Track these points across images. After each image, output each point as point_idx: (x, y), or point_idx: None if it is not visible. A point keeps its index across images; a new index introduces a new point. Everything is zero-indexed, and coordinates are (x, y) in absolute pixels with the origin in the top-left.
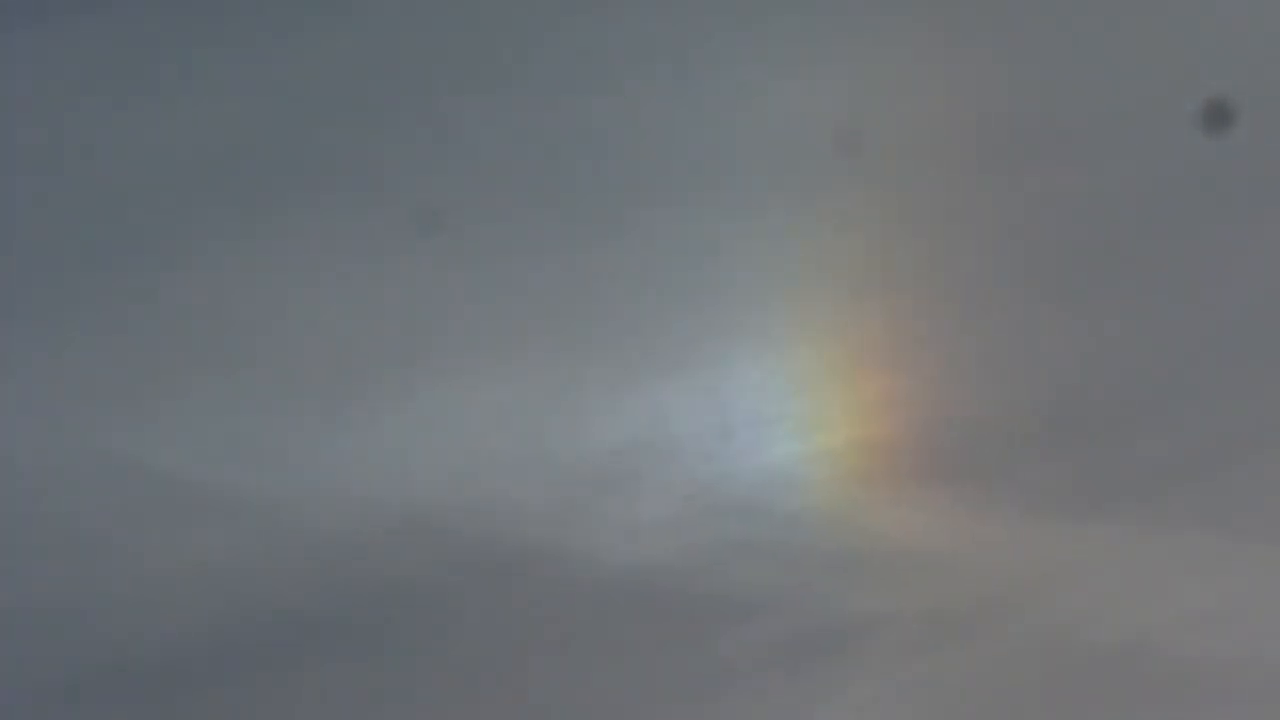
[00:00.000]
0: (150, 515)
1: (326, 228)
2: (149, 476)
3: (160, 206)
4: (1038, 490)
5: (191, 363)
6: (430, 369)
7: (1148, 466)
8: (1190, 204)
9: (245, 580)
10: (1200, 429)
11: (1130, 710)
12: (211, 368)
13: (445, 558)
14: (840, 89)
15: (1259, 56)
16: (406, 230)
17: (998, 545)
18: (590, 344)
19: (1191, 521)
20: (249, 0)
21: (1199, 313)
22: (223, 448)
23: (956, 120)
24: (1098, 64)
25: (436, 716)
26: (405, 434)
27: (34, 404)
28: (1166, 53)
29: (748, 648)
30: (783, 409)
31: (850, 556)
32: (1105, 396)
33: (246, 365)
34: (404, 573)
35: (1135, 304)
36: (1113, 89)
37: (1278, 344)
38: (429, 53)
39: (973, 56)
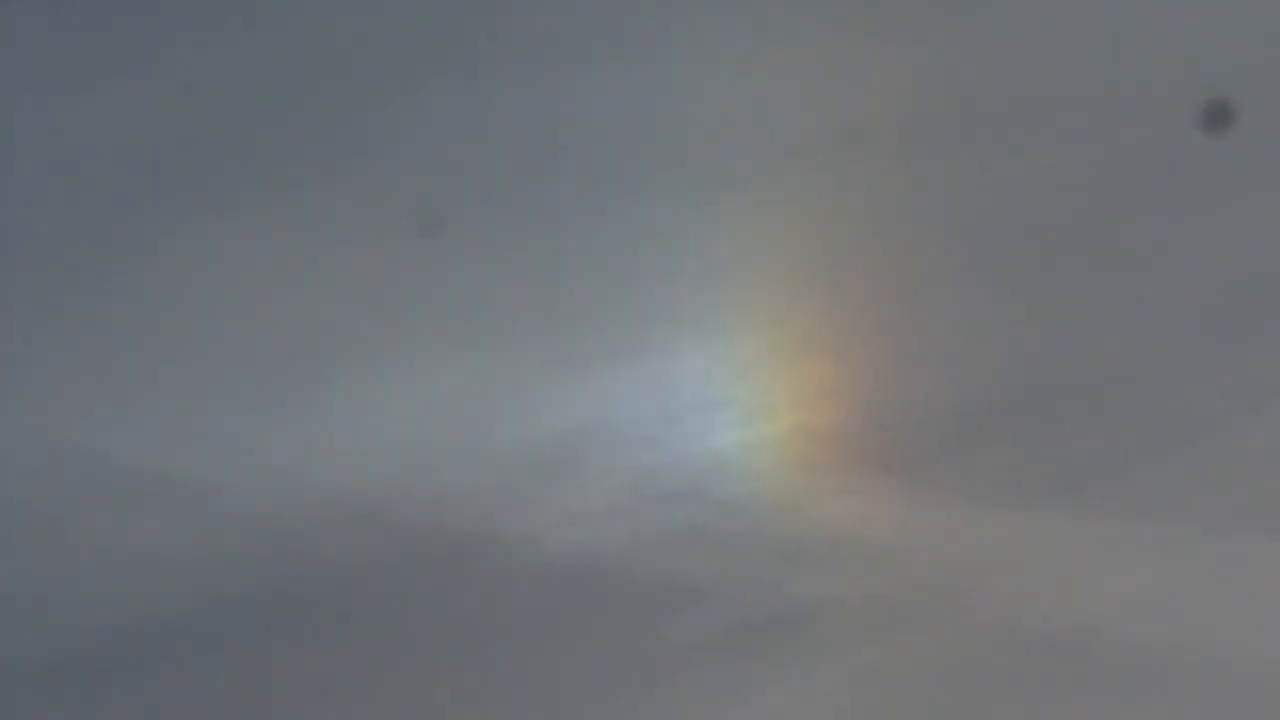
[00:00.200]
0: (98, 502)
1: (274, 216)
2: (98, 464)
3: (116, 193)
4: (983, 477)
5: (142, 350)
6: (374, 357)
7: (1093, 454)
8: (1142, 194)
9: (192, 567)
10: (1146, 417)
11: (1075, 696)
12: (160, 355)
13: (389, 545)
14: (804, 76)
15: (1223, 35)
16: (357, 219)
17: (943, 532)
18: (533, 330)
19: (1137, 509)
20: None
21: (1144, 303)
22: (169, 434)
23: (919, 108)
24: (1066, 50)
25: (382, 704)
26: (350, 422)
27: None
28: (1141, 42)
29: (692, 635)
30: (728, 395)
31: (795, 544)
32: (1052, 384)
33: (195, 353)
34: (347, 560)
35: (1082, 294)
36: (1080, 78)
37: (1223, 332)
38: (392, 36)
39: (949, 43)
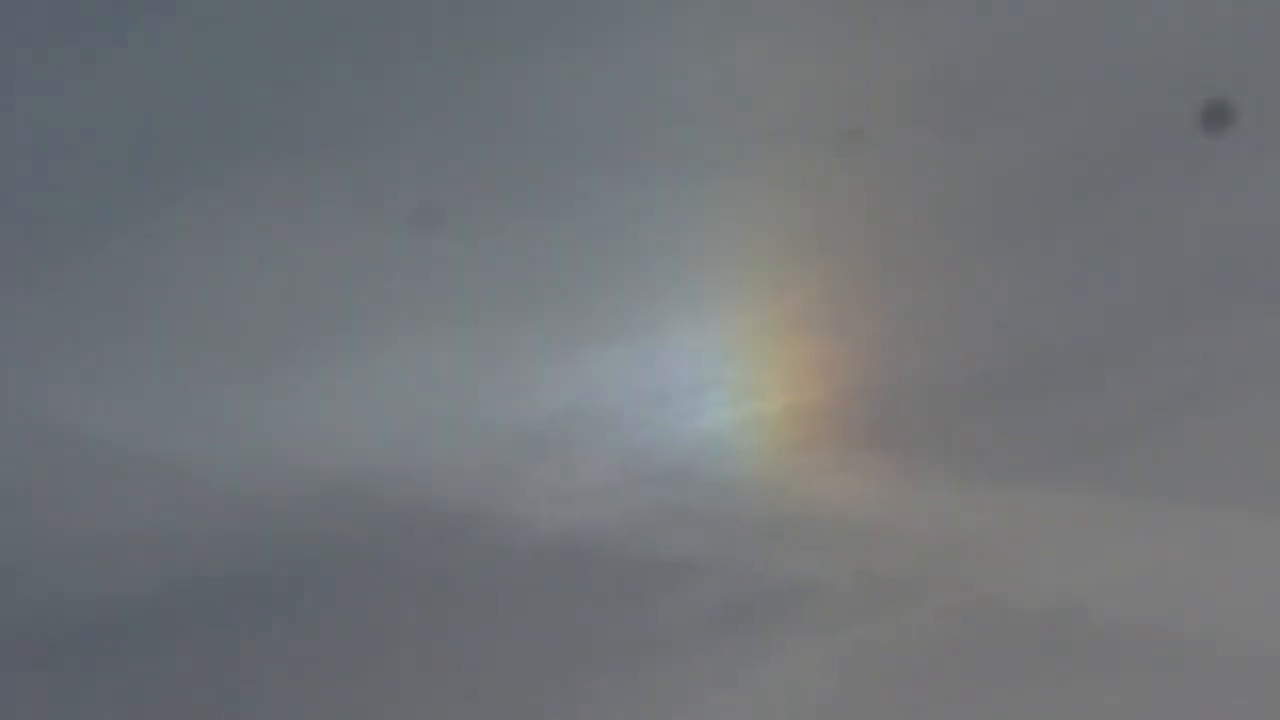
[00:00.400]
0: (84, 479)
1: (263, 196)
2: (84, 441)
3: (108, 174)
4: (973, 455)
5: (128, 328)
6: (364, 335)
7: (1079, 432)
8: (1132, 179)
9: (179, 543)
10: (1130, 395)
11: (1064, 670)
12: (148, 333)
13: (380, 522)
14: (796, 59)
15: (1199, 29)
16: (348, 201)
17: (933, 510)
18: (524, 310)
19: (1122, 486)
20: None
21: (1131, 282)
22: (156, 412)
23: (914, 94)
24: (1060, 39)
25: (371, 679)
26: (340, 399)
27: None
28: (1127, 30)
29: (683, 613)
30: (718, 374)
31: (786, 521)
32: (1041, 363)
33: (184, 332)
34: (339, 536)
35: (1071, 274)
36: (1074, 67)
37: (1208, 312)
38: (383, 21)
39: (947, 31)
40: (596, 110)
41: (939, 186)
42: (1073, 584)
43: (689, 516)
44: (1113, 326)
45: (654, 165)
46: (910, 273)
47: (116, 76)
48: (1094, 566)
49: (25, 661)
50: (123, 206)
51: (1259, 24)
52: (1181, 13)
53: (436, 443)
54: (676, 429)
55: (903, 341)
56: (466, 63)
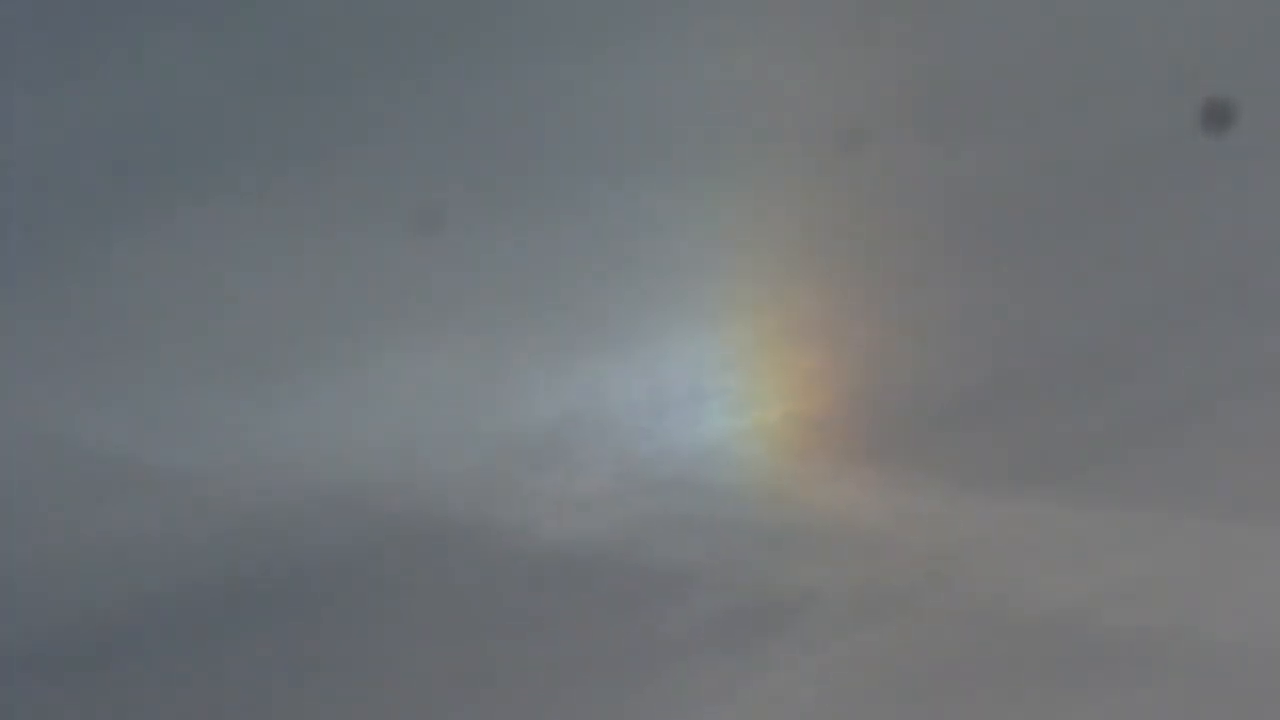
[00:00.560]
0: (80, 488)
1: (260, 205)
2: (82, 450)
3: (103, 182)
4: (972, 464)
5: (124, 338)
6: (364, 344)
7: (1078, 441)
8: (1133, 186)
9: (177, 553)
10: (1129, 404)
11: (1061, 681)
12: (145, 343)
13: (379, 532)
14: (796, 67)
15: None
16: (345, 210)
17: (933, 518)
18: (525, 317)
19: (1121, 495)
20: None
21: (1128, 291)
22: (154, 421)
23: (914, 101)
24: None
25: (370, 688)
26: (338, 408)
27: None
28: (1128, 31)
29: (681, 622)
30: (718, 383)
31: (784, 531)
32: (1038, 372)
33: (183, 342)
34: (337, 546)
35: (1067, 282)
36: (1075, 72)
37: (1205, 322)
38: (382, 26)
39: (946, 36)
40: (595, 116)
41: (938, 193)
42: (1071, 593)
43: (688, 526)
44: (1113, 334)
45: (653, 171)
46: (910, 281)
47: (118, 82)
48: (1093, 576)
49: (24, 670)
50: (121, 213)
51: (1259, 24)
52: (1181, 13)
53: (434, 452)
54: (676, 438)
55: (903, 350)
56: (467, 72)
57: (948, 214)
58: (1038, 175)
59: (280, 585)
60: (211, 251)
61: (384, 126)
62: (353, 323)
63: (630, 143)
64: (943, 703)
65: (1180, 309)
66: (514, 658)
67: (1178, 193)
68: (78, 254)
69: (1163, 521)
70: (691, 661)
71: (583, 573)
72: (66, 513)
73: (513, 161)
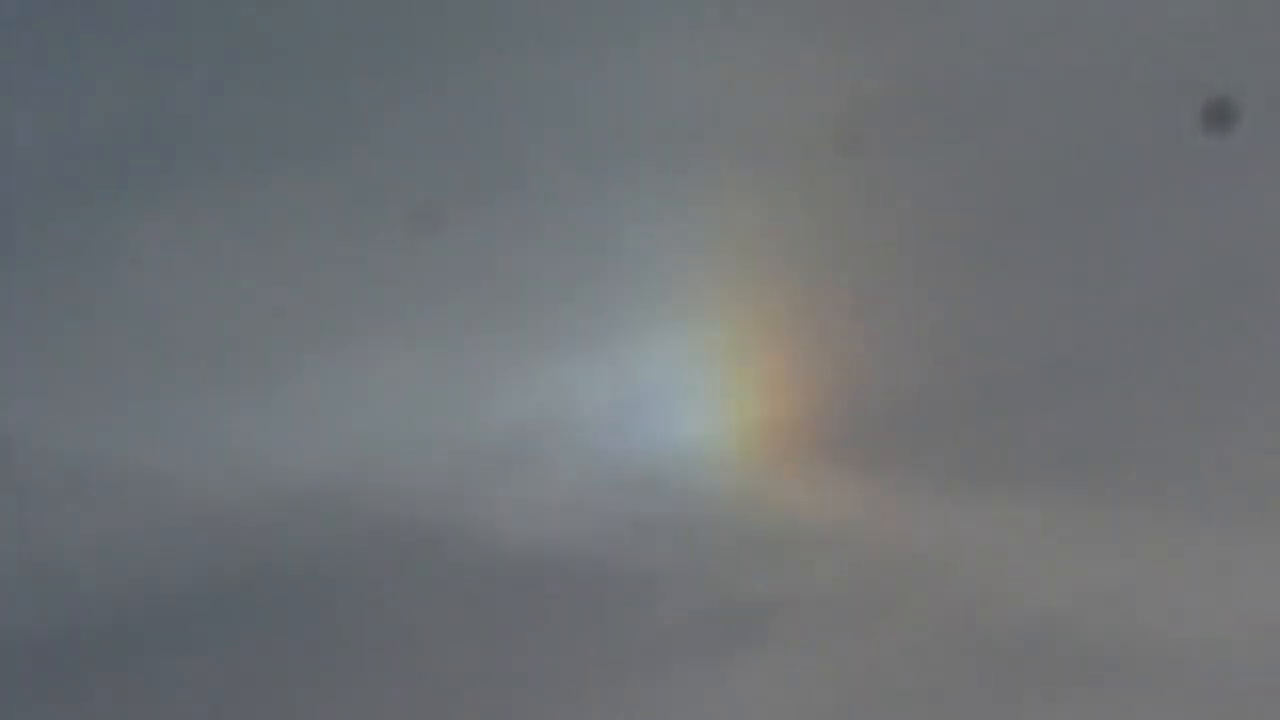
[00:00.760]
0: (48, 491)
1: (235, 208)
2: (48, 453)
3: (92, 178)
4: (949, 467)
5: (95, 340)
6: (333, 345)
7: (1059, 444)
8: (1130, 178)
9: (146, 557)
10: (1110, 408)
11: (1040, 684)
12: (113, 345)
13: (348, 536)
14: (781, 67)
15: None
16: (319, 213)
17: (909, 522)
18: (497, 319)
19: (1102, 497)
20: None
21: (1115, 292)
22: (127, 424)
23: (906, 102)
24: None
25: (342, 689)
26: (310, 411)
27: None
28: (1128, 31)
29: (654, 625)
30: (691, 386)
31: (759, 534)
32: (1018, 376)
33: (149, 343)
34: (306, 551)
35: (1049, 286)
36: (1074, 72)
37: (1190, 326)
38: (370, 21)
39: (943, 35)
40: (567, 115)
41: (924, 195)
42: (1055, 596)
43: (661, 529)
44: (1095, 338)
45: (627, 172)
46: (889, 283)
47: (112, 81)
48: (1077, 578)
49: (4, 667)
50: (104, 215)
51: (1259, 24)
52: (1182, 12)
53: (405, 455)
54: (649, 441)
55: (880, 352)
56: (446, 71)
57: (930, 215)
58: (1029, 176)
59: (253, 586)
60: (186, 257)
61: (354, 133)
62: (324, 328)
63: (606, 143)
64: (919, 705)
65: (1171, 311)
66: (484, 661)
67: (1169, 195)
68: (60, 255)
69: (1144, 524)
70: (664, 664)
71: (554, 576)
72: (46, 514)
73: (484, 166)
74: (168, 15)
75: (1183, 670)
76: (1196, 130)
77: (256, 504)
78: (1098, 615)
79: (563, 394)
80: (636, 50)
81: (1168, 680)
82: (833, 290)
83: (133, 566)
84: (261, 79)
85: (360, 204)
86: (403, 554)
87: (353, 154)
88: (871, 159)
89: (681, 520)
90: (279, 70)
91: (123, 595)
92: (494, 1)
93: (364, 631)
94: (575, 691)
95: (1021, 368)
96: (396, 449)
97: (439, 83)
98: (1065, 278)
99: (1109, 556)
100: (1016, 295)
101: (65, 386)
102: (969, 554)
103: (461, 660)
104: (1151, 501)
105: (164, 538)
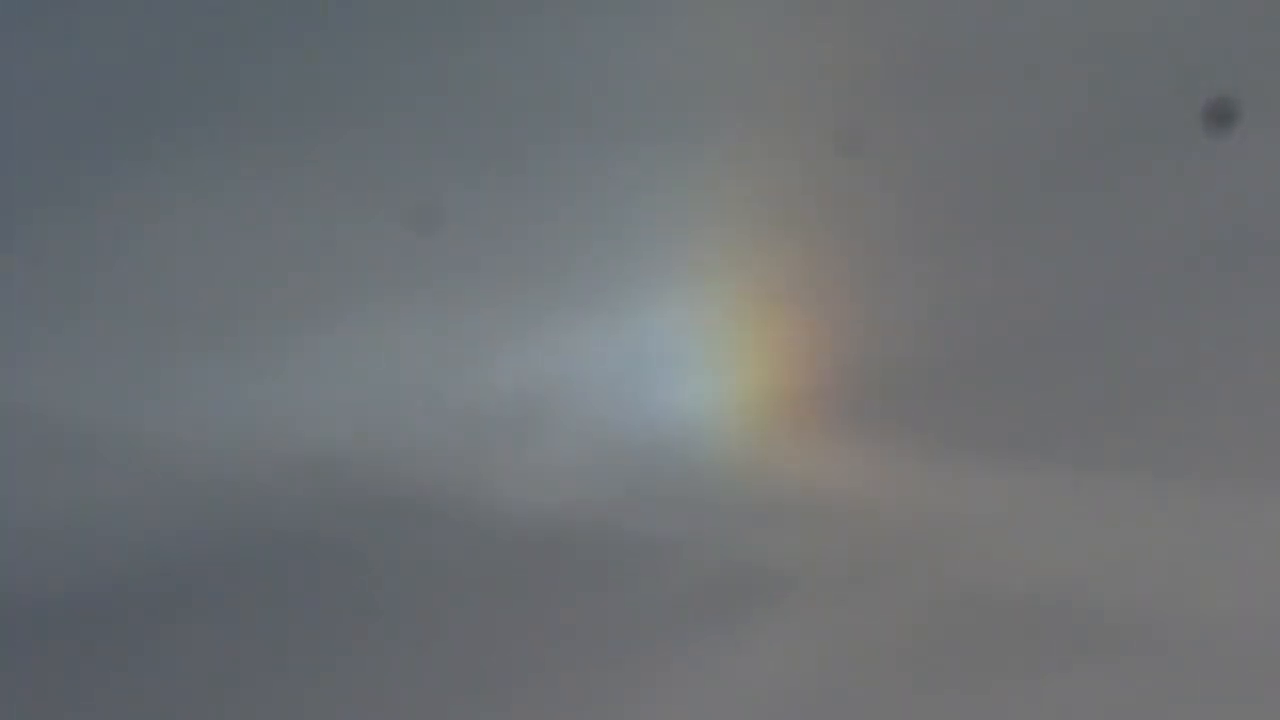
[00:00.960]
0: (43, 460)
1: (233, 175)
2: (51, 420)
3: (81, 148)
4: (955, 437)
5: (96, 306)
6: (335, 315)
7: (1065, 412)
8: (1129, 171)
9: (147, 524)
10: (1115, 375)
11: (1048, 655)
12: (117, 314)
13: (349, 503)
14: (781, 34)
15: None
16: (317, 181)
17: (914, 492)
18: (501, 286)
19: (1109, 468)
20: None
21: (1117, 262)
22: (123, 391)
23: (904, 73)
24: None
25: (342, 661)
26: (312, 379)
27: None
28: (1128, 29)
29: (659, 596)
30: (699, 354)
31: (766, 503)
32: (1024, 343)
33: (154, 311)
34: (311, 518)
35: (1057, 251)
36: (1075, 59)
37: (1199, 292)
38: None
39: (945, 17)
40: (586, 97)
41: (928, 169)
42: (1059, 566)
43: (668, 498)
44: (1100, 305)
45: (632, 141)
46: (895, 250)
47: (109, 64)
48: (1081, 548)
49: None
50: (101, 185)
51: (1259, 24)
52: (1182, 11)
53: (409, 423)
54: (656, 409)
55: (886, 320)
56: (436, 39)
57: (935, 185)
58: (1033, 144)
59: (249, 558)
60: (192, 228)
61: (357, 103)
62: (323, 295)
63: (610, 112)
64: (927, 676)
65: (1170, 283)
66: (486, 631)
67: (1174, 180)
68: (52, 224)
69: (1151, 494)
70: (669, 636)
71: (560, 545)
72: (35, 483)
73: (488, 131)
74: None
75: (1189, 640)
76: (1197, 130)
77: (259, 470)
78: (1109, 583)
79: (570, 363)
80: (635, 19)
81: (1174, 650)
82: (837, 259)
83: (136, 532)
84: (271, 42)
85: (365, 171)
86: (407, 522)
87: (360, 120)
88: (878, 137)
89: (690, 489)
90: (288, 33)
91: (126, 562)
92: None
93: (368, 599)
94: (581, 660)
95: (1031, 336)
96: (400, 416)
97: (446, 54)
98: (1078, 245)
99: (1117, 525)
100: (1026, 264)
101: (67, 353)
102: (977, 522)
103: (466, 629)
104: (1159, 471)
105: (167, 504)
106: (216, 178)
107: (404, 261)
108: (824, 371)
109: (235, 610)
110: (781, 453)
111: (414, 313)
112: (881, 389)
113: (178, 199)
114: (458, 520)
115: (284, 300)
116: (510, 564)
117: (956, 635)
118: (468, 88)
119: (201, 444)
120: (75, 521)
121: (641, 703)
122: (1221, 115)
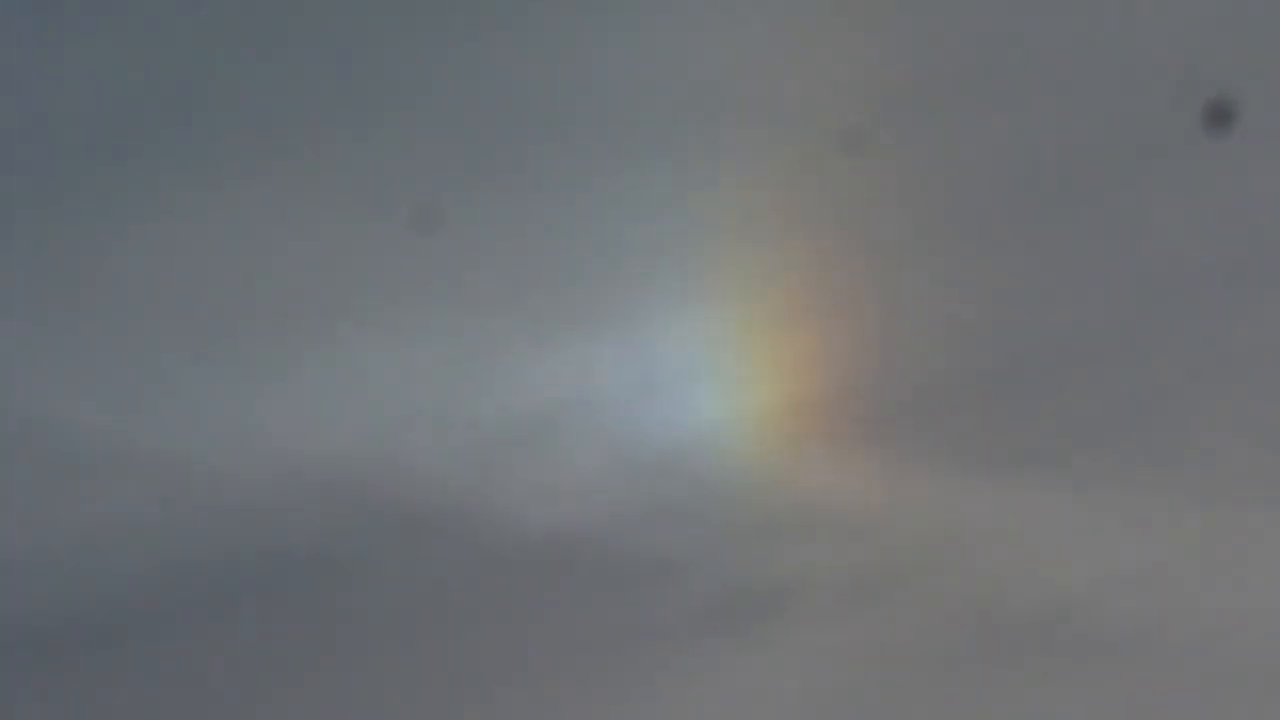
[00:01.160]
0: (62, 472)
1: (249, 187)
2: (67, 433)
3: (96, 163)
4: (964, 450)
5: (107, 321)
6: (349, 328)
7: (1075, 426)
8: (1130, 174)
9: (157, 538)
10: (1126, 390)
11: (1055, 667)
12: (127, 324)
13: (362, 517)
14: (790, 49)
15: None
16: (331, 193)
17: (926, 505)
18: (514, 302)
19: (1118, 480)
20: None
21: (1127, 277)
22: (137, 404)
23: (911, 84)
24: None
25: (353, 672)
26: (325, 392)
27: None
28: (1128, 30)
29: (671, 608)
30: (709, 368)
31: (777, 516)
32: (1034, 358)
33: (167, 325)
34: (319, 532)
35: (1065, 268)
36: (1075, 59)
37: (1205, 307)
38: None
39: (946, 22)
40: (594, 103)
41: (936, 182)
42: (1066, 579)
43: (679, 511)
44: (1108, 322)
45: (643, 156)
46: (905, 267)
47: (112, 69)
48: (1088, 561)
49: (6, 652)
50: (114, 198)
51: (1259, 24)
52: (1182, 12)
53: (422, 436)
54: (667, 423)
55: (896, 335)
56: (461, 51)
57: (946, 202)
58: (1041, 163)
59: (261, 570)
60: (199, 237)
61: (369, 110)
62: (337, 308)
63: (622, 128)
64: (935, 688)
65: (1177, 295)
66: (498, 643)
67: (1176, 185)
68: (68, 237)
69: (1160, 507)
70: (681, 647)
71: (572, 559)
72: (50, 495)
73: (501, 146)
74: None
75: (1202, 652)
76: (1197, 130)
77: (270, 487)
78: (1118, 597)
79: (582, 378)
80: (649, 34)
81: (1186, 662)
82: (850, 275)
83: (147, 549)
84: (277, 53)
85: (375, 184)
86: (419, 537)
87: (369, 132)
88: (887, 147)
89: (701, 503)
90: (296, 44)
91: (137, 578)
92: None
93: (379, 615)
94: (592, 674)
95: (1042, 351)
96: (412, 432)
97: (456, 71)
98: (1086, 261)
99: (1130, 538)
100: (1037, 279)
101: (77, 369)
102: (987, 536)
103: (477, 644)
104: (1172, 484)
105: (178, 520)
106: (233, 197)
107: (419, 280)
108: (837, 387)
109: (248, 624)
110: (793, 467)
111: (428, 331)
112: (893, 405)
113: (178, 204)
114: (470, 536)
115: (299, 318)
116: (520, 579)
117: (967, 650)
118: (476, 93)
119: (212, 461)
120: (81, 537)
121: (654, 717)
122: (1221, 115)
